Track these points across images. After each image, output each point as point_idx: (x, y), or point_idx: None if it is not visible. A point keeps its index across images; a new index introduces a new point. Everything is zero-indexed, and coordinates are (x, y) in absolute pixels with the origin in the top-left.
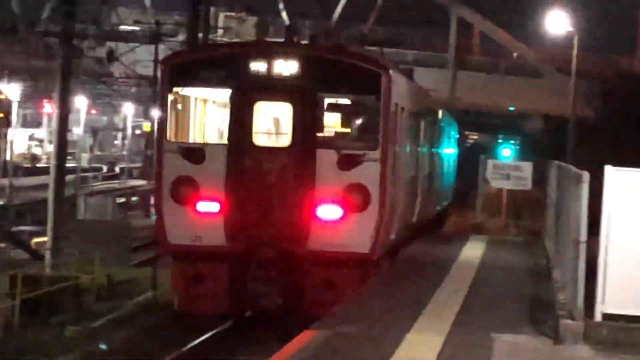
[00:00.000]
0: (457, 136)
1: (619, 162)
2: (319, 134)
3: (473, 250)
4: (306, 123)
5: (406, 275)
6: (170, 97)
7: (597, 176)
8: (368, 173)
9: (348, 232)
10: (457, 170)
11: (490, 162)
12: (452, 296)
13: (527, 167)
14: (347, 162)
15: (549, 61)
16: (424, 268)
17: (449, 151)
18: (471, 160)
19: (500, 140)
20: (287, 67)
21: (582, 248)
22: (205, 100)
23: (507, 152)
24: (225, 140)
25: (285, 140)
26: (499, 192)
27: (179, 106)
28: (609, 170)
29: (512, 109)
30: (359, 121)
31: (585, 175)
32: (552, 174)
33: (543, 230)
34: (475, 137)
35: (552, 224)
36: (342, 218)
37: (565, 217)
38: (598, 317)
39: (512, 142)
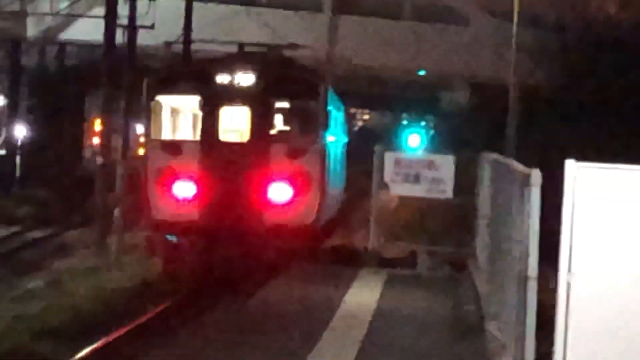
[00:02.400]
0: (344, 120)
1: (586, 152)
2: (271, 132)
3: (364, 293)
4: (261, 123)
5: (258, 333)
6: (152, 104)
7: (554, 175)
8: (310, 162)
9: (297, 208)
10: (345, 168)
11: (389, 157)
12: None
13: (447, 164)
14: (295, 153)
15: (479, 1)
16: (288, 321)
17: (336, 142)
18: (361, 153)
19: (405, 122)
20: (245, 78)
21: (532, 287)
22: (178, 107)
23: (415, 139)
24: (197, 138)
25: (244, 137)
26: (403, 202)
27: (159, 111)
28: (571, 166)
29: (422, 73)
30: (301, 121)
31: (536, 175)
32: (484, 173)
33: (471, 260)
34: (367, 117)
35: (485, 251)
36: (291, 198)
37: (506, 240)
38: None
39: (424, 124)
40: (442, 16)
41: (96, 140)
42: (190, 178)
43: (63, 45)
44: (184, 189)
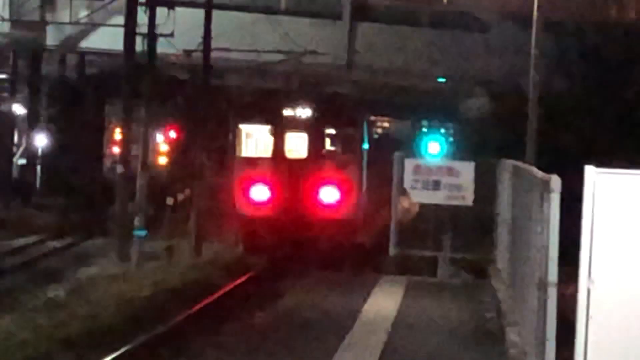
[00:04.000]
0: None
1: (608, 159)
2: (323, 151)
3: (384, 301)
4: (315, 144)
5: (281, 343)
6: (237, 131)
7: (575, 181)
8: (351, 173)
9: (342, 206)
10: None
11: (409, 163)
12: None
13: (467, 171)
14: (340, 166)
15: (498, 7)
16: (308, 330)
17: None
18: (380, 160)
19: (424, 129)
20: (304, 112)
21: (553, 293)
22: (256, 132)
23: (434, 147)
24: (270, 155)
25: (304, 154)
26: (423, 209)
27: (241, 136)
28: (590, 172)
29: (442, 80)
30: (344, 143)
31: (555, 182)
32: (504, 179)
33: (491, 266)
34: (387, 124)
35: (505, 258)
36: (340, 198)
37: (526, 246)
38: None
39: (444, 131)
40: (461, 22)
41: (116, 149)
42: (265, 184)
43: (83, 54)
44: (261, 193)
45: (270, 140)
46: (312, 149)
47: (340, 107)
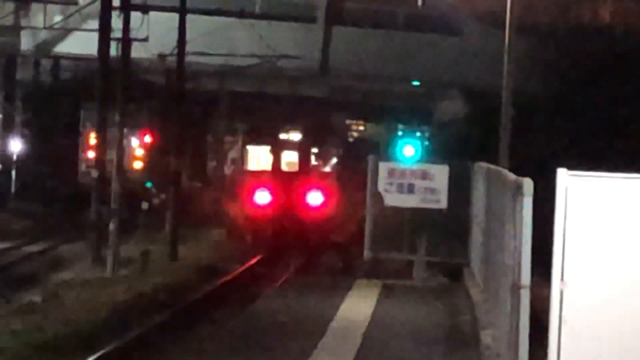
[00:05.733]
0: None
1: (582, 161)
2: (310, 165)
3: (359, 305)
4: (304, 160)
5: (254, 347)
6: (244, 150)
7: (548, 184)
8: (332, 182)
9: (325, 207)
10: (338, 178)
11: (383, 166)
12: None
13: (441, 174)
14: (325, 177)
15: (471, 10)
16: (283, 334)
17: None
18: (354, 164)
19: (400, 133)
20: (295, 136)
21: (525, 296)
22: (259, 151)
23: (409, 150)
24: (270, 168)
25: (295, 167)
26: (397, 212)
27: (248, 154)
28: (562, 175)
29: (416, 83)
30: (325, 159)
31: (527, 184)
32: (478, 182)
33: (466, 269)
34: (362, 127)
35: (479, 260)
36: (322, 201)
37: (499, 249)
38: None
39: (419, 134)
40: (435, 26)
41: (91, 154)
42: (267, 190)
43: (57, 58)
44: (263, 197)
45: (270, 158)
46: (301, 164)
47: (321, 132)
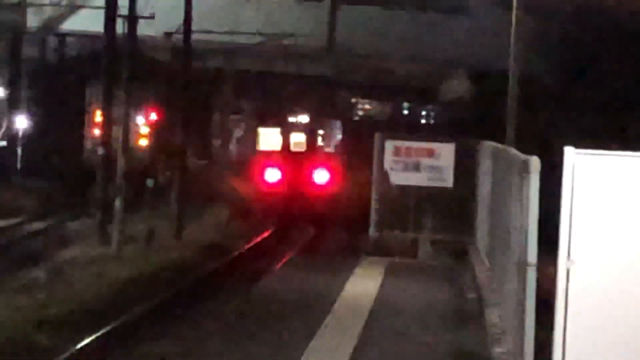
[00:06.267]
0: None
1: (588, 139)
2: (317, 145)
3: (364, 283)
4: (311, 141)
5: (259, 325)
6: (258, 132)
7: (554, 163)
8: (337, 161)
9: (330, 184)
10: (342, 156)
11: (389, 145)
12: (328, 359)
13: (447, 152)
14: (329, 158)
15: None
16: (288, 312)
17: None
18: (360, 143)
19: (406, 112)
20: (303, 119)
21: (532, 274)
22: (270, 133)
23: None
24: (280, 148)
25: (303, 148)
26: (403, 191)
27: (260, 135)
28: (569, 153)
29: (422, 62)
30: (331, 140)
31: (534, 162)
32: (484, 161)
33: (472, 247)
34: (368, 106)
35: (485, 239)
36: (328, 179)
37: (506, 228)
38: None
39: (424, 113)
40: (442, 5)
41: (97, 132)
42: (277, 168)
43: (63, 36)
44: (274, 175)
45: (280, 139)
46: (309, 144)
47: (327, 114)
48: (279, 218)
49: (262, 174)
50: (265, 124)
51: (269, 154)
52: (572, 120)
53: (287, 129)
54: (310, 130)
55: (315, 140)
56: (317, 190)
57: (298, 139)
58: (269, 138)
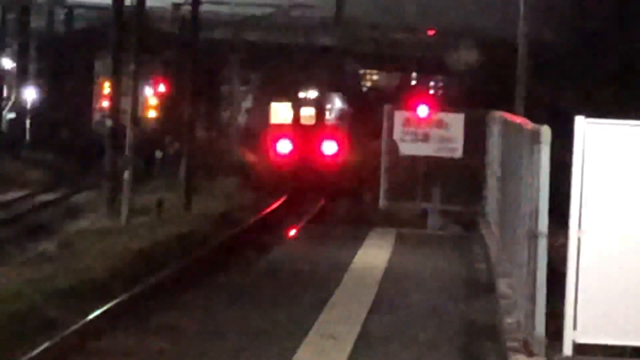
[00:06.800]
0: None
1: (598, 109)
2: (325, 119)
3: (374, 253)
4: (320, 115)
5: (270, 296)
6: (270, 106)
7: (565, 133)
8: (344, 133)
9: (338, 155)
10: (350, 127)
11: (398, 116)
12: (340, 328)
13: (457, 123)
14: (336, 130)
15: None
16: (299, 282)
17: None
18: (368, 114)
19: (414, 82)
20: (313, 94)
21: (542, 244)
22: (282, 107)
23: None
24: (291, 122)
25: (312, 121)
26: (412, 162)
27: (272, 109)
28: (580, 122)
29: (431, 32)
30: (339, 115)
31: (545, 132)
32: (494, 131)
33: (481, 218)
34: (376, 77)
35: (495, 209)
36: (336, 150)
37: (516, 198)
38: (567, 351)
39: (433, 84)
40: None
41: (105, 103)
42: (289, 139)
43: (71, 7)
44: (286, 146)
45: (291, 112)
46: (317, 118)
47: (335, 89)
48: (288, 188)
49: (274, 145)
50: (277, 98)
51: (280, 126)
52: (583, 89)
53: (297, 104)
54: (318, 104)
55: (324, 114)
56: (326, 160)
57: (307, 113)
58: (280, 112)
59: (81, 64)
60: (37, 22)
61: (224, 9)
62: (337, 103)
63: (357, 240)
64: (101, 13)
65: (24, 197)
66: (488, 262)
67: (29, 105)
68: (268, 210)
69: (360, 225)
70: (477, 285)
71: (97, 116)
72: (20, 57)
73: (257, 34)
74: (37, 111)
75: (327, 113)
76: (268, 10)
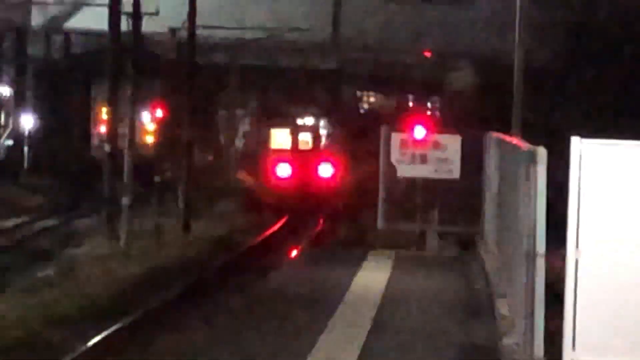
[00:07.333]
0: None
1: (594, 129)
2: (321, 144)
3: (373, 275)
4: (316, 140)
5: (269, 319)
6: (270, 133)
7: (561, 153)
8: (339, 157)
9: (333, 178)
10: (346, 150)
11: (395, 137)
12: (340, 351)
13: (454, 144)
14: (331, 154)
15: None
16: (298, 305)
17: None
18: (364, 136)
19: (411, 104)
20: (309, 120)
21: (540, 264)
22: (281, 133)
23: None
24: (289, 147)
25: (310, 145)
26: (410, 183)
27: (272, 135)
28: (576, 143)
29: (427, 54)
30: (334, 139)
31: (541, 153)
32: (490, 152)
33: (479, 239)
34: (373, 99)
35: (493, 230)
36: (332, 173)
37: (513, 218)
38: None
39: (430, 105)
40: None
41: (103, 129)
42: (288, 163)
43: (68, 34)
44: (285, 169)
45: (289, 138)
46: (314, 142)
47: (331, 115)
48: (287, 210)
49: (274, 169)
50: (276, 125)
51: (280, 151)
52: (579, 108)
53: (295, 129)
54: (315, 129)
55: (320, 138)
56: (323, 183)
57: (305, 138)
58: (279, 137)
59: (79, 89)
60: (34, 49)
61: (220, 33)
62: (333, 126)
63: (356, 262)
64: (98, 39)
65: (23, 224)
66: (487, 283)
67: (27, 132)
68: (267, 233)
69: (358, 247)
70: (476, 306)
71: (95, 141)
72: (17, 84)
73: (253, 58)
74: (36, 137)
75: (324, 137)
76: (264, 34)
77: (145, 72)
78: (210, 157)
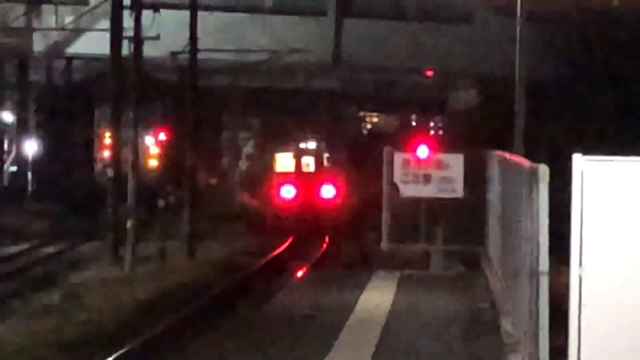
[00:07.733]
0: None
1: (596, 146)
2: (323, 166)
3: (378, 295)
4: (318, 163)
5: (277, 339)
6: (275, 157)
7: (564, 171)
8: (340, 179)
9: (335, 198)
10: (349, 171)
11: (398, 157)
12: None
13: (457, 163)
14: (334, 176)
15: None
16: (304, 326)
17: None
18: (366, 156)
19: (414, 123)
20: (311, 145)
21: (544, 283)
22: (284, 157)
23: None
24: (293, 170)
25: (312, 168)
26: (414, 203)
27: (277, 159)
28: (578, 160)
29: (429, 73)
30: (335, 161)
31: (543, 171)
32: (493, 171)
33: (484, 257)
34: (376, 119)
35: (497, 248)
36: (334, 194)
37: (517, 236)
38: None
39: (433, 124)
40: (446, 15)
41: (106, 153)
42: (292, 185)
43: (70, 59)
44: (289, 191)
45: (293, 161)
46: (317, 166)
47: (332, 139)
48: (292, 231)
49: (278, 191)
50: (280, 148)
51: (284, 174)
52: (581, 126)
53: (298, 154)
54: (318, 151)
55: (323, 160)
56: (325, 203)
57: (307, 161)
58: (283, 161)
59: (81, 114)
60: (35, 75)
61: (221, 56)
62: (336, 147)
63: (361, 283)
64: (100, 64)
65: (28, 250)
66: (491, 301)
67: (30, 158)
68: (272, 255)
69: (363, 267)
70: (482, 324)
71: (98, 166)
72: (20, 110)
73: (255, 80)
74: (39, 163)
75: (327, 159)
76: (265, 56)
77: (147, 97)
78: (214, 180)
